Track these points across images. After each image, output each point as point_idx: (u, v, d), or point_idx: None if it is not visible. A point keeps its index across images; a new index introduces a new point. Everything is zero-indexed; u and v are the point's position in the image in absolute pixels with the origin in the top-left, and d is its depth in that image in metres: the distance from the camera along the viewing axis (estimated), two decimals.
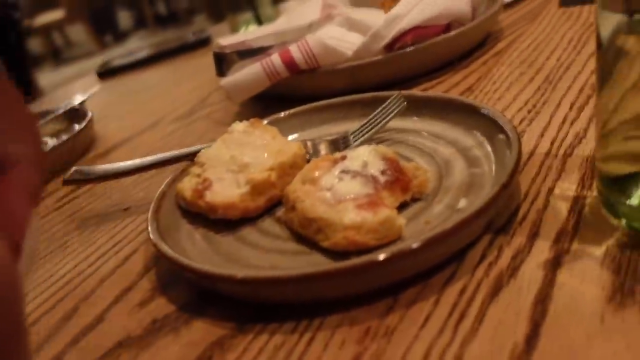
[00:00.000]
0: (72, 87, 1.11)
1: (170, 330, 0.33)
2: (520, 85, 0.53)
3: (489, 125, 0.40)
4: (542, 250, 0.31)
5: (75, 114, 0.74)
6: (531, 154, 0.41)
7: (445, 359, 0.26)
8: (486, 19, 0.63)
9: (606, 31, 0.28)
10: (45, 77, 4.60)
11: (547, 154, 0.41)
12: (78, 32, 6.61)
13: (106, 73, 1.07)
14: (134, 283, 0.39)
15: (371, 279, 0.30)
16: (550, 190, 0.36)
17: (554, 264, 0.30)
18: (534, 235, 0.33)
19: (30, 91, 1.78)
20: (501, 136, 0.38)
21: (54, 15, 6.07)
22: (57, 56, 6.27)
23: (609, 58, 0.28)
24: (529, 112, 0.47)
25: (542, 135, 0.43)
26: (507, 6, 0.77)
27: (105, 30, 6.51)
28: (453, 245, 0.32)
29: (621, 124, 0.30)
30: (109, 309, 0.37)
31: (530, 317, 0.27)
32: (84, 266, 0.43)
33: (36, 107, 0.92)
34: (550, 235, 0.32)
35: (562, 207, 0.35)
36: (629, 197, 0.31)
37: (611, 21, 0.27)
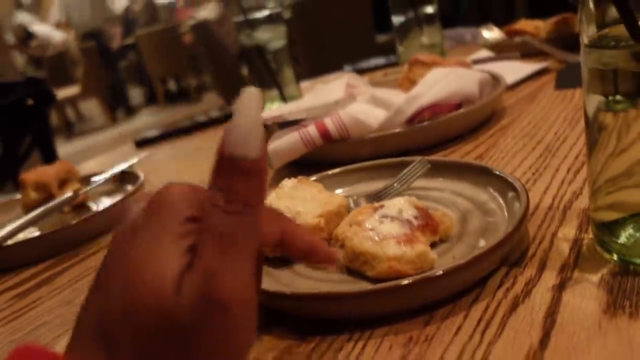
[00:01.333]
0: (111, 155, 1.21)
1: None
2: (524, 153, 0.62)
3: (501, 184, 0.49)
4: (550, 278, 0.39)
5: (125, 176, 0.82)
6: (536, 207, 0.49)
7: (475, 357, 0.33)
8: (493, 99, 0.73)
9: (591, 109, 0.37)
10: (60, 148, 4.76)
11: (550, 207, 0.49)
12: (91, 107, 6.89)
13: (142, 142, 1.17)
14: None
15: (411, 298, 0.38)
16: (554, 234, 0.44)
17: (560, 288, 0.38)
18: (542, 268, 0.40)
19: (55, 159, 1.88)
20: (512, 193, 0.46)
21: (70, 90, 6.34)
22: (69, 129, 6.49)
23: (593, 131, 0.37)
24: (533, 174, 0.56)
25: (545, 192, 0.52)
26: (509, 89, 0.88)
27: (117, 105, 6.78)
28: (475, 274, 0.39)
29: (605, 182, 0.39)
30: None
31: (542, 326, 0.34)
32: None
33: (82, 170, 1.01)
34: (556, 267, 0.40)
35: (565, 247, 0.42)
36: (618, 237, 0.39)
37: (593, 101, 0.36)
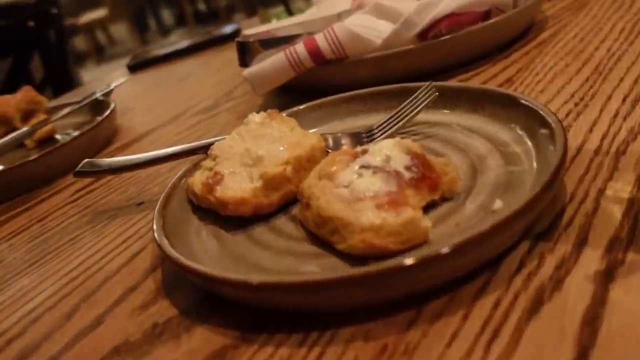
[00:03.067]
0: (103, 81, 1.11)
1: (171, 337, 0.30)
2: (565, 77, 0.48)
3: (530, 119, 0.36)
4: (591, 261, 0.27)
5: (100, 106, 0.72)
6: (578, 150, 0.37)
7: None
8: (529, 6, 0.58)
9: None
10: (88, 74, 4.70)
11: (597, 150, 0.36)
12: (121, 30, 6.74)
13: (136, 66, 1.06)
14: (139, 283, 0.36)
15: (391, 289, 0.27)
16: (601, 192, 0.32)
17: (606, 278, 0.26)
18: (581, 243, 0.28)
19: (72, 87, 1.80)
20: (543, 130, 0.34)
21: (98, 13, 6.21)
22: (100, 53, 6.41)
23: None
24: (576, 105, 0.43)
25: (590, 130, 0.39)
26: None
27: (146, 28, 6.62)
28: (487, 252, 0.28)
29: None
30: (109, 311, 0.34)
31: (577, 340, 0.23)
32: (91, 262, 0.41)
33: (65, 99, 0.91)
34: (601, 243, 0.28)
35: (615, 211, 0.30)
36: None
37: None
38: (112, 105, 0.68)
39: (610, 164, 0.34)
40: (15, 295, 0.39)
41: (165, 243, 0.33)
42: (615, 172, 0.33)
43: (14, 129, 0.68)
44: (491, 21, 0.54)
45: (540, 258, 0.28)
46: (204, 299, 0.32)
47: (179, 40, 1.17)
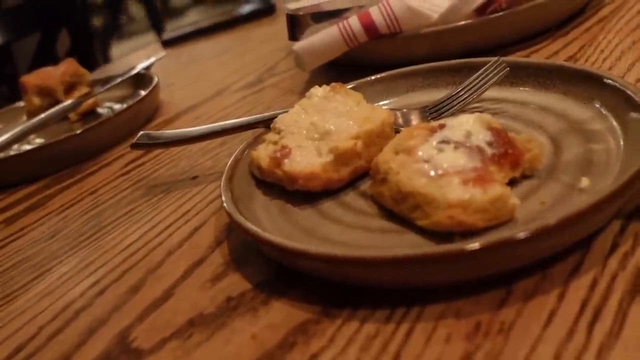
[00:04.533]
0: (136, 55, 1.10)
1: (247, 311, 0.30)
2: (635, 53, 0.46)
3: (612, 95, 0.35)
4: None
5: (141, 80, 0.71)
6: None
7: None
8: None
9: None
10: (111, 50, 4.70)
11: None
12: (138, 9, 6.74)
13: (171, 41, 1.05)
14: (205, 257, 0.36)
15: (480, 267, 0.26)
16: None
17: None
18: None
19: (97, 63, 1.81)
20: (630, 109, 0.32)
21: None
22: (119, 31, 6.42)
23: None
24: None
25: None
26: None
27: (163, 5, 6.60)
28: (580, 232, 0.27)
29: None
30: (178, 284, 0.34)
31: None
32: (151, 236, 0.40)
33: (100, 73, 0.91)
34: None
35: None
36: None
37: None
38: (156, 79, 0.67)
39: None
40: (76, 267, 0.39)
41: (237, 213, 0.32)
42: None
43: (57, 102, 0.68)
44: None
45: (635, 238, 0.27)
46: (277, 273, 0.32)
47: (202, 19, 1.16)
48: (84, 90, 0.70)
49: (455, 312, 0.26)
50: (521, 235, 0.24)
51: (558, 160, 0.33)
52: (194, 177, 0.47)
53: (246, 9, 1.05)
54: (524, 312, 0.25)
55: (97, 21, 6.12)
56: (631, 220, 0.28)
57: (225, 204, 0.34)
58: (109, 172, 0.54)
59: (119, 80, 0.69)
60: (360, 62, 0.58)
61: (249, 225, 0.31)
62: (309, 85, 0.61)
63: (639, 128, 0.31)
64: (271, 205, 0.36)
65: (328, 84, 0.43)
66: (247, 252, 0.34)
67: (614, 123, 0.34)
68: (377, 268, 0.27)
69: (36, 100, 0.67)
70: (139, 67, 0.71)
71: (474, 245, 0.24)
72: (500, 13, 0.52)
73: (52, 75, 0.68)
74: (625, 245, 0.27)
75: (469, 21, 0.53)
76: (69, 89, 0.70)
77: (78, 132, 0.58)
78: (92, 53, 2.08)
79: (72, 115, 0.67)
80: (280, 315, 0.29)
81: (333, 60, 0.58)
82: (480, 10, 0.53)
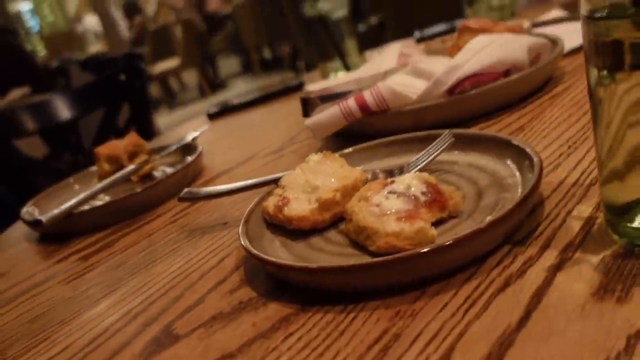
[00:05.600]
0: (185, 127, 1.29)
1: (252, 309, 0.43)
2: (566, 125, 0.59)
3: (521, 157, 0.47)
4: (549, 258, 0.38)
5: (188, 148, 0.88)
6: (561, 183, 0.48)
7: (452, 334, 0.34)
8: (545, 65, 0.69)
9: (591, 83, 0.35)
10: (162, 119, 5.08)
11: (575, 183, 0.47)
12: (191, 77, 7.23)
13: (215, 115, 1.23)
14: (227, 277, 0.49)
15: (403, 273, 0.39)
16: (569, 212, 0.43)
17: (556, 268, 0.37)
18: (545, 247, 0.39)
19: (152, 132, 2.02)
20: (528, 164, 0.45)
21: (172, 63, 6.68)
22: (172, 100, 6.88)
23: (594, 106, 0.35)
24: (569, 147, 0.54)
25: (574, 167, 0.50)
26: (573, 53, 0.82)
27: (215, 75, 7.05)
28: (470, 251, 0.39)
29: (605, 159, 0.37)
30: (207, 294, 0.47)
31: (525, 307, 0.34)
32: (190, 265, 0.54)
33: (155, 143, 1.09)
34: (560, 247, 0.39)
35: (576, 225, 0.41)
36: (630, 220, 0.37)
37: (593, 75, 0.34)
38: (200, 148, 0.83)
39: (582, 193, 0.45)
40: (134, 286, 0.54)
41: (248, 244, 0.46)
42: (583, 199, 0.44)
43: (122, 167, 0.85)
44: (504, 80, 0.66)
45: (514, 257, 0.39)
46: (275, 285, 0.45)
47: (248, 88, 1.34)
48: (143, 157, 0.86)
49: (385, 305, 0.38)
50: (418, 251, 0.37)
51: (477, 206, 0.46)
52: (225, 223, 0.62)
53: (279, 86, 1.23)
54: (430, 303, 0.37)
55: (153, 91, 6.50)
56: (516, 246, 0.41)
57: (241, 239, 0.48)
58: (161, 221, 0.69)
59: (171, 149, 0.86)
60: (359, 133, 0.72)
61: (255, 251, 0.45)
62: (320, 151, 0.75)
63: (529, 181, 0.43)
64: (275, 240, 0.50)
65: (336, 150, 0.57)
66: (256, 273, 0.48)
67: (518, 176, 0.46)
68: (338, 274, 0.40)
69: (106, 166, 0.84)
70: (187, 138, 0.88)
71: (388, 257, 0.37)
72: (467, 93, 0.66)
73: (118, 146, 0.86)
74: (506, 262, 0.39)
75: (442, 100, 0.67)
76: (132, 156, 0.87)
77: (138, 190, 0.74)
78: (149, 121, 2.31)
79: (134, 178, 0.84)
80: (273, 311, 0.42)
81: (340, 131, 0.72)
82: (450, 91, 0.67)
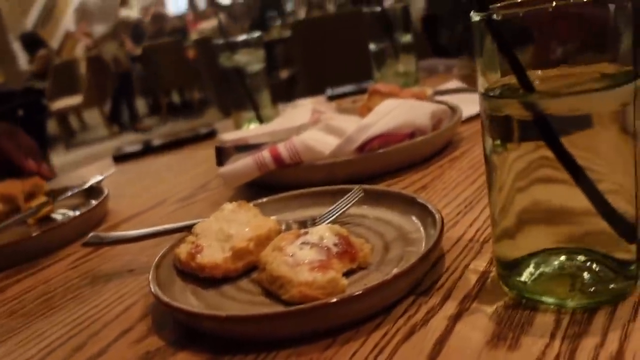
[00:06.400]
0: (89, 169, 1.24)
1: (160, 359, 0.42)
2: (464, 185, 0.64)
3: (424, 213, 0.51)
4: (450, 308, 0.41)
5: (93, 191, 0.85)
6: (459, 239, 0.52)
7: None
8: (443, 131, 0.76)
9: (487, 150, 0.39)
10: (57, 158, 4.81)
11: (471, 239, 0.51)
12: (94, 117, 6.96)
13: (121, 158, 1.20)
14: (133, 325, 0.48)
15: (314, 322, 0.40)
16: (467, 266, 0.47)
17: (456, 317, 0.40)
18: (446, 298, 0.43)
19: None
20: (429, 219, 0.49)
21: (74, 100, 6.42)
22: (70, 139, 6.57)
23: (489, 171, 0.40)
24: (465, 207, 0.59)
25: (470, 225, 0.54)
26: (470, 120, 0.90)
27: (118, 116, 6.84)
28: (378, 301, 0.41)
29: (498, 219, 0.41)
30: (112, 344, 0.46)
31: (429, 354, 0.37)
32: (93, 312, 0.52)
33: (54, 184, 1.04)
34: (458, 298, 0.42)
35: (472, 278, 0.45)
36: (519, 274, 0.41)
37: (488, 143, 0.39)
38: (106, 192, 0.81)
39: (477, 248, 0.49)
40: (30, 336, 0.50)
41: (158, 291, 0.45)
42: (479, 254, 0.48)
43: (18, 207, 0.80)
44: (408, 142, 0.71)
45: (418, 307, 0.42)
46: (184, 334, 0.44)
47: (157, 132, 1.32)
48: (42, 198, 0.82)
49: (297, 353, 0.39)
50: (331, 300, 0.39)
51: (384, 258, 0.48)
52: (131, 270, 0.60)
53: (189, 133, 1.23)
54: (340, 351, 0.39)
55: (51, 128, 6.16)
56: (420, 296, 0.43)
57: (151, 285, 0.47)
58: (61, 266, 0.66)
59: (75, 191, 0.82)
60: (271, 184, 0.73)
61: (165, 298, 0.44)
62: (232, 199, 0.75)
63: (432, 237, 0.47)
64: (186, 289, 0.49)
65: (248, 200, 0.58)
66: (165, 321, 0.47)
67: (423, 232, 0.50)
68: (248, 323, 0.40)
69: (0, 206, 0.79)
70: (91, 181, 0.85)
71: (301, 306, 0.38)
72: (375, 152, 0.70)
73: (16, 186, 0.81)
74: (411, 311, 0.42)
75: (352, 157, 0.70)
76: (29, 197, 0.82)
77: (35, 234, 0.70)
78: (46, 160, 2.19)
79: (30, 220, 0.79)
80: None
81: (253, 182, 0.73)
82: (360, 149, 0.71)
